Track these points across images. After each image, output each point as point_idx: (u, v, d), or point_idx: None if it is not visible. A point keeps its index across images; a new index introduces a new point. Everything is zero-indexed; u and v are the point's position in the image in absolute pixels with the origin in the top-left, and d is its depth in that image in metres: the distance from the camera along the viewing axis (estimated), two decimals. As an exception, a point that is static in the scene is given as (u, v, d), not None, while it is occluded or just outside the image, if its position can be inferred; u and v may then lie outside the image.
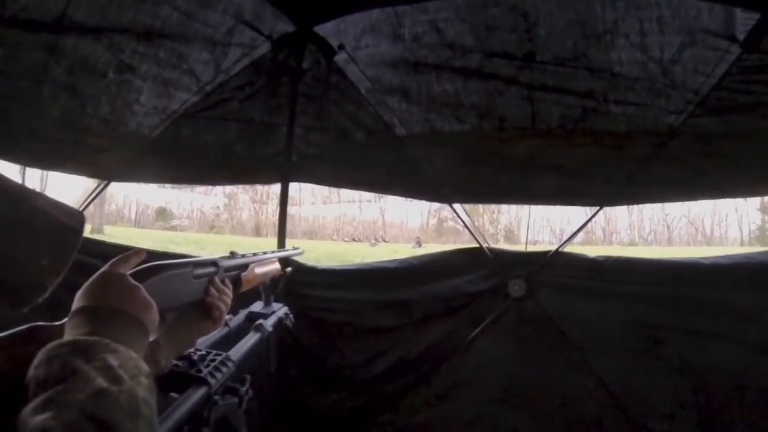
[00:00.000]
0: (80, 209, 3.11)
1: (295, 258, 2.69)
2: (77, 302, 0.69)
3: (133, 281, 0.76)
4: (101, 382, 0.53)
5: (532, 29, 2.35)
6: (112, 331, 0.64)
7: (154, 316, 0.76)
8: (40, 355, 0.56)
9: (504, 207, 29.96)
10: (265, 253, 1.50)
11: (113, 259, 0.79)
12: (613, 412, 2.53)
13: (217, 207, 33.94)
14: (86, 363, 0.55)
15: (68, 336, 0.62)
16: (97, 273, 0.75)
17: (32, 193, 0.61)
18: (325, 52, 2.76)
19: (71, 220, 0.63)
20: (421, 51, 2.57)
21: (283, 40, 2.75)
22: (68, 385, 0.51)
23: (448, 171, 2.84)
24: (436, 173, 2.84)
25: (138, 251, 0.80)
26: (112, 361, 0.57)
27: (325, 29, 2.71)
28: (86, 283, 0.73)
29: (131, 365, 0.59)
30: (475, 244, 2.87)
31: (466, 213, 3.04)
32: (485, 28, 2.41)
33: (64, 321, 0.70)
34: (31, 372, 0.55)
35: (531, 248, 3.79)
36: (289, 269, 1.82)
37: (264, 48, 2.76)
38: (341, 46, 2.71)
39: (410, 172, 2.87)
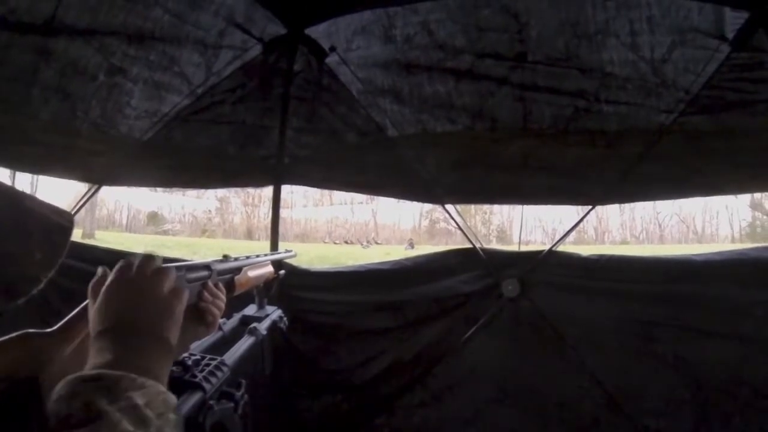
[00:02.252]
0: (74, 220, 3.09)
1: (289, 261, 2.68)
2: (99, 318, 0.65)
3: (157, 287, 0.70)
4: (127, 426, 0.51)
5: (524, 30, 2.36)
6: (136, 358, 0.60)
7: (177, 321, 0.71)
8: (61, 387, 0.54)
9: (496, 207, 30.06)
10: (257, 256, 1.49)
11: (128, 259, 0.72)
12: (608, 409, 2.54)
13: (209, 211, 33.76)
14: (111, 404, 0.52)
15: (92, 364, 0.59)
16: (111, 280, 0.69)
17: (22, 194, 0.62)
18: (316, 54, 2.75)
19: (61, 218, 0.64)
20: (412, 52, 2.57)
21: (275, 43, 2.74)
22: (92, 429, 0.49)
23: (440, 172, 2.84)
24: (429, 174, 2.84)
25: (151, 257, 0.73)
26: (139, 399, 0.54)
27: (317, 31, 2.70)
28: (104, 290, 0.68)
29: (159, 401, 0.56)
30: (468, 245, 2.87)
31: (459, 214, 3.04)
32: (477, 29, 2.42)
33: (54, 329, 0.70)
34: (53, 405, 0.52)
35: (524, 248, 3.79)
36: (282, 272, 1.81)
37: (255, 50, 2.75)
38: (332, 48, 2.71)
39: (403, 174, 2.87)
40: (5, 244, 0.59)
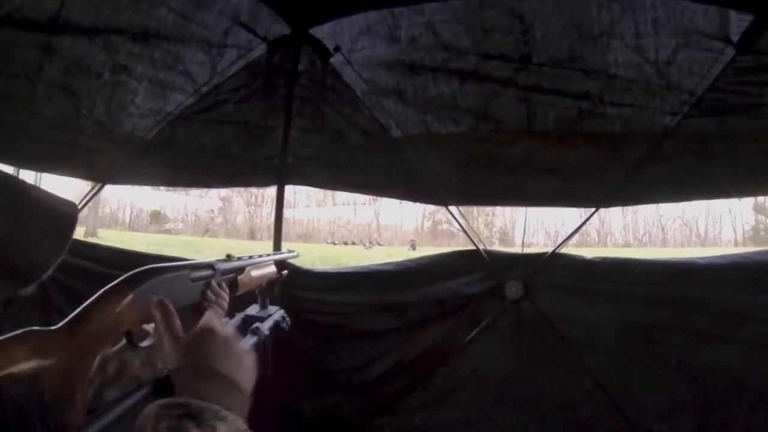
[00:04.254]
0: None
1: (291, 261, 2.68)
2: (178, 355, 0.70)
3: (238, 344, 0.77)
4: None
5: (529, 31, 2.35)
6: (222, 397, 0.65)
7: (252, 378, 0.75)
8: (149, 409, 0.59)
9: (499, 209, 30.05)
10: (260, 256, 1.49)
11: (211, 314, 0.79)
12: (610, 413, 2.53)
13: (212, 210, 33.83)
14: (196, 427, 0.56)
15: (178, 395, 0.63)
16: (201, 328, 0.76)
17: (28, 184, 0.64)
18: (321, 54, 2.75)
19: (66, 207, 0.66)
20: (417, 53, 2.57)
21: (279, 42, 2.74)
22: None
23: (444, 173, 2.83)
24: (433, 175, 2.83)
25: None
26: (222, 429, 0.58)
27: (321, 31, 2.70)
28: (189, 337, 0.74)
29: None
30: (470, 247, 2.86)
31: (462, 215, 3.04)
32: (481, 30, 2.41)
33: (57, 327, 0.70)
34: (138, 424, 0.57)
35: (526, 250, 3.79)
36: (285, 272, 1.81)
37: (260, 50, 2.75)
38: (337, 48, 2.70)
39: (406, 174, 2.87)
40: (15, 232, 0.61)
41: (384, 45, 2.60)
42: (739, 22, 2.11)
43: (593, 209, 2.79)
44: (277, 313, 1.73)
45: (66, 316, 0.74)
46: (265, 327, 1.53)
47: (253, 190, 27.86)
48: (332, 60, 2.75)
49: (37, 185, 0.67)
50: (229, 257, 1.28)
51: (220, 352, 0.72)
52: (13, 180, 0.64)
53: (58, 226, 0.66)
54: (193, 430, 0.56)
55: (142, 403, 1.00)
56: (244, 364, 0.74)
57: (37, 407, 0.62)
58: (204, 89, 2.81)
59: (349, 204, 33.37)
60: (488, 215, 31.25)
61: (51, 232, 0.65)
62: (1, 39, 2.08)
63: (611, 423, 2.53)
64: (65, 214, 0.67)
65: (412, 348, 2.82)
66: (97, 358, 0.77)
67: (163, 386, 1.04)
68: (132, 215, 33.14)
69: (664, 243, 30.13)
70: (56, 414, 0.63)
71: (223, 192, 31.63)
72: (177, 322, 0.73)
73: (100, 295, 0.80)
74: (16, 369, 0.60)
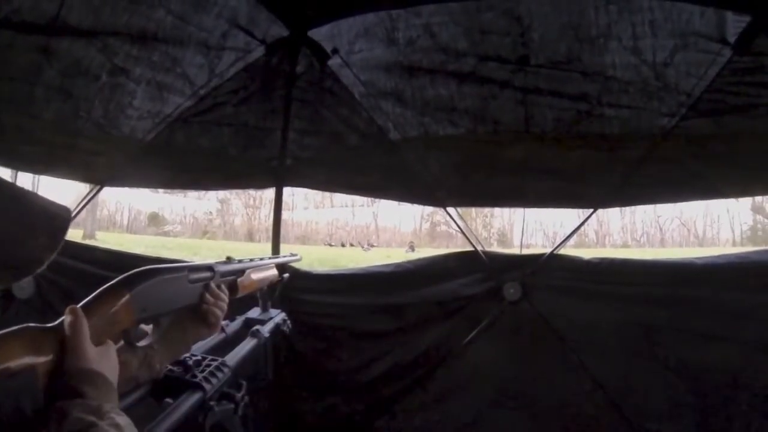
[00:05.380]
0: (72, 214, 3.09)
1: (292, 264, 2.68)
2: (80, 360, 0.74)
3: (112, 351, 0.82)
4: None
5: (526, 33, 2.36)
6: (106, 394, 0.73)
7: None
8: (49, 410, 0.65)
9: (497, 211, 30.02)
10: (262, 259, 1.49)
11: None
12: (609, 413, 2.53)
13: (210, 212, 33.73)
14: (100, 419, 0.65)
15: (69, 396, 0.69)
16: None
17: (22, 189, 0.68)
18: (319, 56, 2.75)
19: (58, 209, 0.70)
20: (415, 55, 2.57)
21: (277, 45, 2.74)
22: None
23: (442, 175, 2.84)
24: (431, 177, 2.84)
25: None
26: (120, 420, 0.68)
27: (319, 33, 2.70)
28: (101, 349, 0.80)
29: (128, 423, 0.70)
30: (469, 248, 2.87)
31: (460, 217, 3.04)
32: (479, 32, 2.42)
33: (53, 324, 0.73)
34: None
35: (525, 252, 3.80)
36: (286, 275, 1.82)
37: (258, 52, 2.75)
38: (335, 51, 2.71)
39: (405, 176, 2.87)
40: (11, 231, 0.64)
41: (382, 47, 2.61)
42: (735, 24, 2.12)
43: (591, 210, 2.80)
44: (278, 316, 1.73)
45: (62, 316, 0.75)
46: (266, 330, 1.54)
47: (252, 192, 27.84)
48: (330, 62, 2.75)
49: (33, 190, 0.71)
50: (229, 260, 1.29)
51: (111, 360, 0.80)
52: (9, 185, 0.67)
53: (53, 225, 0.69)
54: (99, 423, 0.64)
55: (139, 403, 1.00)
56: (114, 364, 0.81)
57: (31, 403, 0.64)
58: (202, 91, 2.81)
59: (347, 206, 33.36)
60: (486, 216, 31.23)
61: (46, 231, 0.68)
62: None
63: (610, 423, 2.53)
64: (58, 214, 0.70)
65: (410, 349, 2.82)
66: None
67: (161, 387, 1.04)
68: (130, 217, 33.03)
69: (663, 243, 30.13)
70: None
71: (222, 194, 31.54)
72: (86, 329, 0.76)
73: (97, 294, 0.82)
74: (12, 363, 0.63)
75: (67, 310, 0.76)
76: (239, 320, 1.61)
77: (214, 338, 1.33)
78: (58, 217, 0.70)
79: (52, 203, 0.70)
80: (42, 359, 0.68)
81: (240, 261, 1.34)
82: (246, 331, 1.50)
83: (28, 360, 0.65)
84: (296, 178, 3.07)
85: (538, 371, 2.65)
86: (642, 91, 2.35)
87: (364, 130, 2.84)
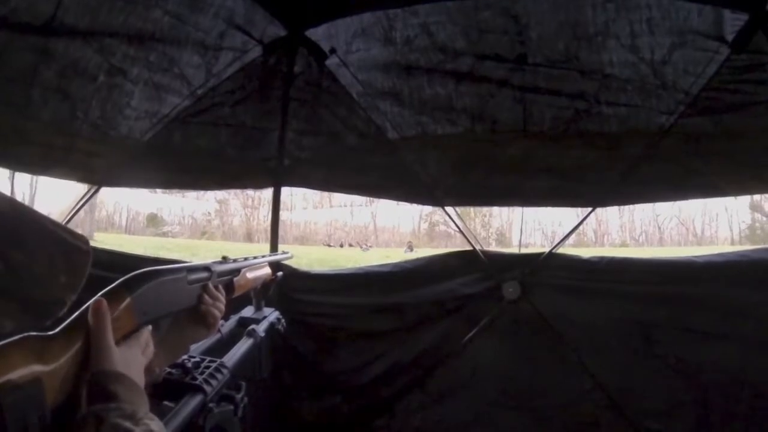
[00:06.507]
0: (70, 215, 3.08)
1: (289, 263, 2.67)
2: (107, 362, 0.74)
3: (138, 353, 0.83)
4: None
5: (524, 32, 2.36)
6: (140, 399, 0.72)
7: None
8: (89, 413, 0.64)
9: (495, 210, 30.05)
10: (255, 257, 1.49)
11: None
12: (609, 412, 2.54)
13: (209, 213, 33.71)
14: (135, 425, 0.64)
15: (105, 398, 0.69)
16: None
17: (42, 215, 0.64)
18: (316, 56, 2.75)
19: (77, 240, 0.66)
20: (412, 54, 2.57)
21: (275, 45, 2.74)
22: None
23: (441, 174, 2.84)
24: (429, 176, 2.84)
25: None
26: (153, 426, 0.67)
27: (317, 33, 2.70)
28: (128, 347, 0.81)
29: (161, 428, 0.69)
30: (468, 248, 2.86)
31: (459, 216, 3.04)
32: (477, 30, 2.41)
33: (54, 332, 0.69)
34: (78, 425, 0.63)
35: (524, 251, 3.79)
36: (280, 273, 1.81)
37: (255, 52, 2.74)
38: (332, 50, 2.70)
39: (403, 176, 2.87)
40: (32, 268, 0.61)
41: (379, 47, 2.60)
42: (733, 22, 2.12)
43: (590, 209, 2.79)
44: (272, 314, 1.72)
45: (63, 321, 0.74)
46: (261, 329, 1.53)
47: (250, 192, 27.82)
48: (328, 62, 2.75)
49: (49, 216, 0.67)
50: (224, 259, 1.28)
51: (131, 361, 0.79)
52: (30, 212, 0.64)
53: (72, 260, 0.66)
54: (132, 428, 0.63)
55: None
56: (139, 366, 0.81)
57: (37, 416, 0.60)
58: (200, 92, 2.80)
59: (345, 206, 33.36)
60: (485, 216, 31.24)
61: (66, 269, 0.65)
62: (-3, 42, 2.07)
63: (610, 422, 2.53)
64: (77, 248, 0.68)
65: (410, 349, 2.82)
66: None
67: (160, 390, 1.04)
68: (128, 218, 33.00)
69: (661, 242, 30.18)
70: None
71: (220, 194, 31.56)
72: (110, 327, 0.75)
73: (97, 298, 0.80)
74: (14, 375, 0.59)
75: (91, 304, 0.75)
76: (233, 320, 1.60)
77: (211, 339, 1.32)
78: (77, 251, 0.67)
79: (69, 232, 0.66)
80: (47, 369, 0.64)
81: (235, 260, 1.34)
82: (241, 330, 1.49)
83: (32, 371, 0.61)
84: (294, 178, 3.06)
85: (538, 370, 2.65)
86: (640, 89, 2.35)
87: (362, 129, 2.84)
